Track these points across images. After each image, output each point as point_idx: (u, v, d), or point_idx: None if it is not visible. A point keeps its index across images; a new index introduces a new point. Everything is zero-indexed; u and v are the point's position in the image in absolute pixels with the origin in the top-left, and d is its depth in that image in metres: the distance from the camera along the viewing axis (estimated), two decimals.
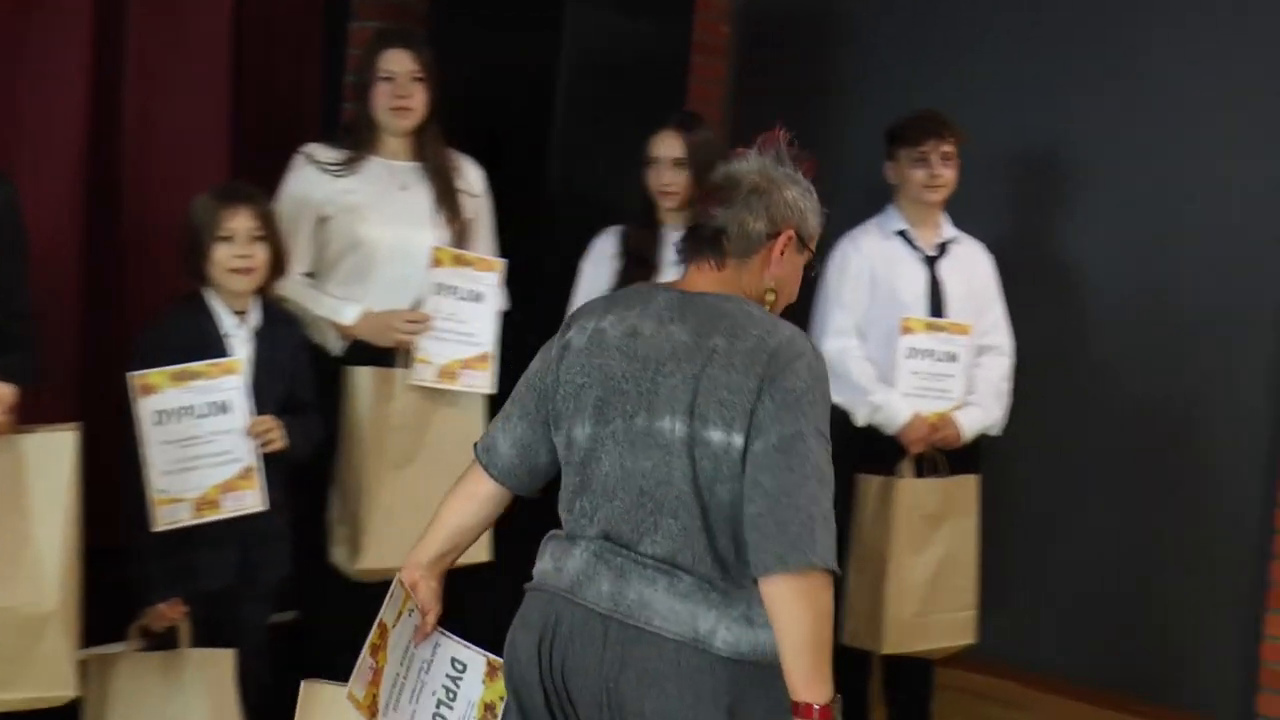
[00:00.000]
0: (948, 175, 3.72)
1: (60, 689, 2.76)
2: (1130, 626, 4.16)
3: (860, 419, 3.67)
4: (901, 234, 3.79)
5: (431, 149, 3.51)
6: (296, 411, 3.16)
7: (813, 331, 3.71)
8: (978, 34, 4.56)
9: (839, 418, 3.58)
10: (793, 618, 1.99)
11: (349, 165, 3.43)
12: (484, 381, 3.38)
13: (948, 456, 3.68)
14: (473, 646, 2.37)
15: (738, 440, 2.02)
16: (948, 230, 3.83)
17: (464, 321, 3.39)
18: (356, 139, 3.46)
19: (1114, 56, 4.29)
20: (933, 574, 3.65)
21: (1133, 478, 4.13)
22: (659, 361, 2.10)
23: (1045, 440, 4.03)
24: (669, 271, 3.50)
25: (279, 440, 3.08)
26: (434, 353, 3.36)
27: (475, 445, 2.32)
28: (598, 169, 3.90)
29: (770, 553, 1.98)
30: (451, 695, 2.36)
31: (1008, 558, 4.24)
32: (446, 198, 3.50)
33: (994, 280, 3.86)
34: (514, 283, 3.51)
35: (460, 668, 2.37)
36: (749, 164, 2.22)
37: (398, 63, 3.42)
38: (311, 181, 3.41)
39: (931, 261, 3.78)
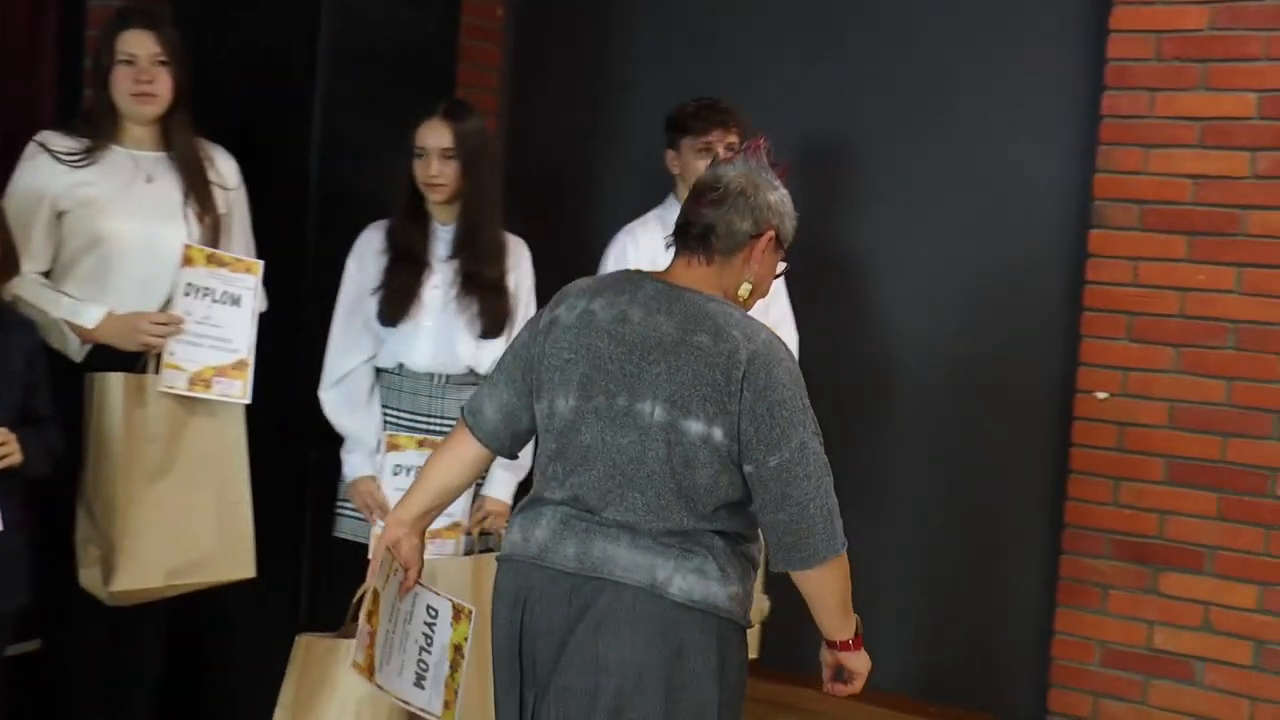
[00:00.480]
0: None
1: None
2: (925, 629, 4.23)
3: None
4: None
5: (179, 138, 3.39)
6: (34, 423, 3.04)
7: None
8: (762, 21, 4.57)
9: None
10: (827, 592, 2.42)
11: (88, 155, 3.30)
12: (239, 390, 3.27)
13: None
14: (443, 593, 2.69)
15: (717, 434, 2.32)
16: None
17: (219, 326, 3.28)
18: (96, 127, 3.34)
19: (899, 48, 4.34)
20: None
21: (923, 480, 4.20)
22: (645, 349, 2.37)
23: (831, 443, 3.92)
24: (439, 267, 3.49)
25: (15, 455, 2.95)
26: (186, 358, 3.24)
27: (462, 409, 2.60)
28: (362, 160, 3.83)
29: (805, 553, 2.36)
30: (429, 641, 2.63)
31: None
32: (197, 190, 3.39)
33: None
34: (273, 282, 3.43)
35: (434, 614, 2.66)
36: (735, 168, 2.50)
37: (139, 45, 3.30)
38: (47, 173, 3.27)
39: None
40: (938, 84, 4.28)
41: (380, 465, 3.37)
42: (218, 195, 3.42)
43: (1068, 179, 4.07)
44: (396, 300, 3.43)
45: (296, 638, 2.97)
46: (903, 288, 4.24)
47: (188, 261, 3.24)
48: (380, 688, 2.57)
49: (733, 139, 3.68)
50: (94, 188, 3.28)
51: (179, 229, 3.33)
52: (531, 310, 3.61)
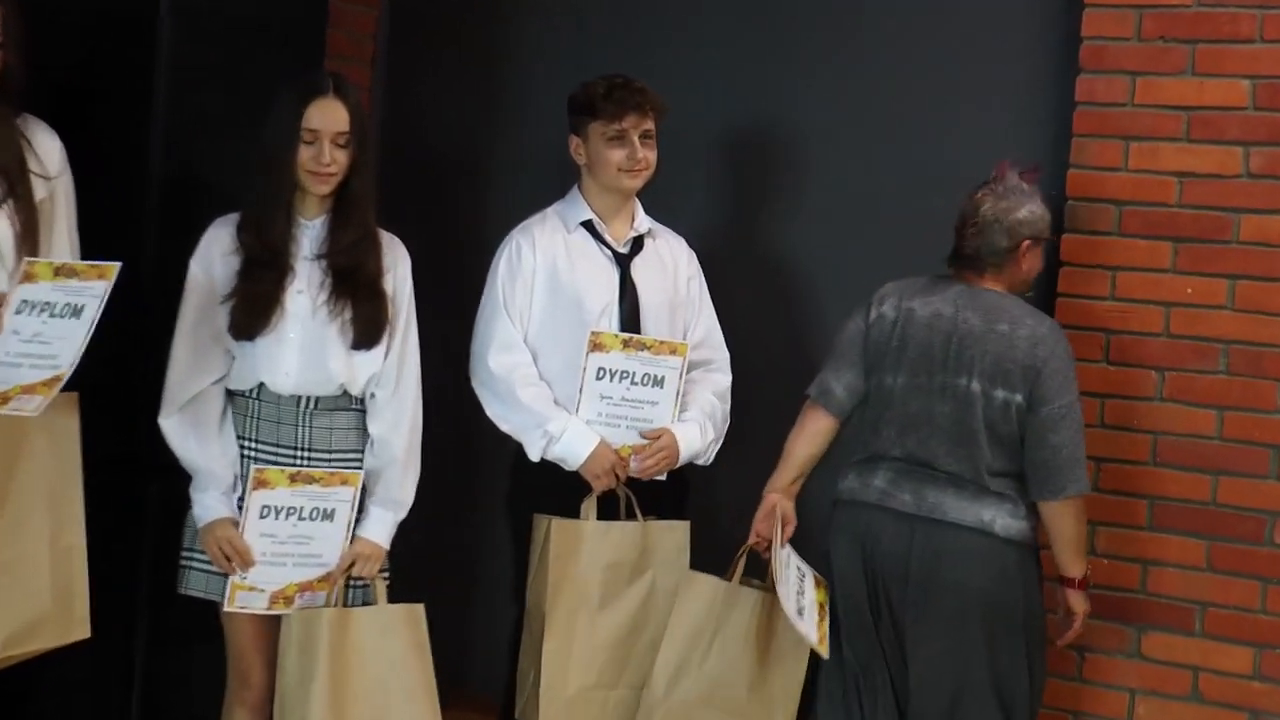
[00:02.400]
0: (650, 158, 3.73)
1: None
2: None
3: (534, 451, 3.62)
4: (587, 225, 3.76)
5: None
6: None
7: (475, 345, 3.74)
8: None
9: (514, 448, 3.69)
10: (1064, 526, 3.44)
11: None
12: (35, 405, 3.10)
13: (648, 496, 3.68)
14: (805, 563, 3.63)
15: (1018, 399, 3.36)
16: (643, 222, 3.82)
17: (48, 342, 3.11)
18: None
19: (841, 23, 4.40)
20: (621, 639, 3.62)
21: None
22: (960, 337, 3.41)
23: (758, 467, 3.96)
24: (304, 268, 3.41)
25: None
26: None
27: (809, 392, 3.62)
28: (213, 142, 3.84)
29: (1049, 487, 3.38)
30: (801, 590, 3.54)
31: None
32: (9, 181, 3.23)
33: (700, 282, 3.90)
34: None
35: (802, 573, 3.58)
36: (989, 200, 3.52)
37: None
38: None
39: (623, 260, 3.76)
40: (885, 65, 4.36)
41: (244, 506, 3.29)
42: (37, 185, 3.27)
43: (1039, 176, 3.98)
44: (254, 310, 3.36)
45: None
46: (845, 300, 4.10)
47: (28, 278, 3.09)
48: (779, 597, 3.45)
49: (649, 125, 3.71)
50: None
51: None
52: (413, 319, 3.57)
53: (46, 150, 3.31)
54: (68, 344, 3.09)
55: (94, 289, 3.11)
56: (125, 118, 3.77)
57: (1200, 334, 3.84)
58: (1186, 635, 3.85)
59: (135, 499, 3.66)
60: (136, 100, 3.76)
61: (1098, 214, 3.96)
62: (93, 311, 3.10)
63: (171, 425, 3.37)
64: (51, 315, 3.10)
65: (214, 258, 3.39)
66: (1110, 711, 3.96)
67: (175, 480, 3.50)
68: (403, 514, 3.42)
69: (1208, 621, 3.83)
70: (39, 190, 3.26)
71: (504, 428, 3.67)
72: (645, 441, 3.64)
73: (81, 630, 3.27)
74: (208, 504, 3.32)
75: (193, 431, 3.35)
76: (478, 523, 3.64)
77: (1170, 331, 3.89)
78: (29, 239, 3.23)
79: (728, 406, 3.83)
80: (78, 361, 3.09)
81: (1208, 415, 3.83)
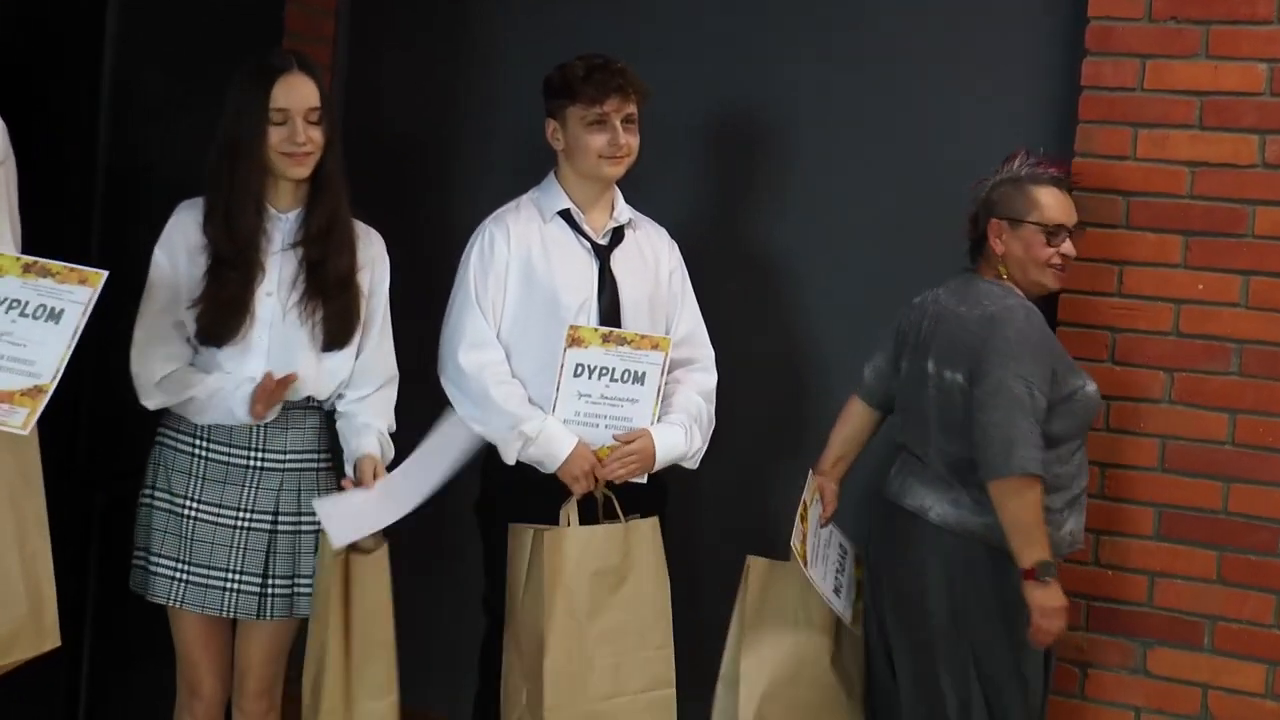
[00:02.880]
0: (633, 144, 3.71)
1: None
2: None
3: (510, 454, 3.61)
4: (564, 215, 3.74)
5: None
6: None
7: (445, 341, 3.73)
8: None
9: (487, 451, 3.66)
10: (1003, 510, 3.37)
11: None
12: (20, 418, 3.06)
13: (628, 496, 3.66)
14: (849, 540, 3.84)
15: (959, 378, 3.45)
16: (623, 211, 3.80)
17: (20, 344, 3.06)
18: None
19: (823, 13, 4.41)
20: (611, 647, 3.61)
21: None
22: (930, 321, 3.57)
23: (740, 470, 4.10)
24: (274, 262, 3.39)
25: None
26: None
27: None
28: (164, 124, 3.82)
29: (984, 469, 3.37)
30: (840, 570, 3.78)
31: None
32: None
33: (683, 275, 3.89)
34: None
35: (844, 551, 3.81)
36: (981, 184, 3.68)
37: None
38: None
39: (603, 252, 3.74)
40: (880, 50, 4.34)
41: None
42: None
43: None
44: (221, 316, 3.37)
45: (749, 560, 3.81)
46: (835, 295, 4.26)
47: None
48: (811, 578, 3.65)
49: (631, 109, 3.68)
50: None
51: None
52: (388, 317, 3.58)
53: None
54: (46, 351, 3.05)
55: (75, 294, 3.08)
56: (71, 101, 3.74)
57: (1212, 333, 3.84)
58: (1195, 651, 3.85)
59: (81, 508, 3.61)
60: (82, 82, 3.73)
61: (1104, 205, 3.94)
62: (75, 319, 3.06)
63: (157, 402, 3.39)
64: (21, 314, 3.07)
65: (179, 248, 3.39)
66: None
67: (121, 484, 3.51)
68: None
69: (1218, 637, 3.83)
70: None
71: (476, 429, 3.65)
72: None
73: (52, 639, 3.22)
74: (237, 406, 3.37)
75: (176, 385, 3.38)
76: (440, 530, 3.59)
77: (1180, 330, 3.89)
78: None
79: (713, 407, 3.81)
80: (61, 372, 3.04)
81: (1219, 419, 3.83)
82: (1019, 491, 3.35)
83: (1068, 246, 3.64)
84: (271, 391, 3.34)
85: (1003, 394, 3.36)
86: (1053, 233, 3.63)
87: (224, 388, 3.38)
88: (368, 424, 3.46)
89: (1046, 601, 3.39)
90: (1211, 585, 3.83)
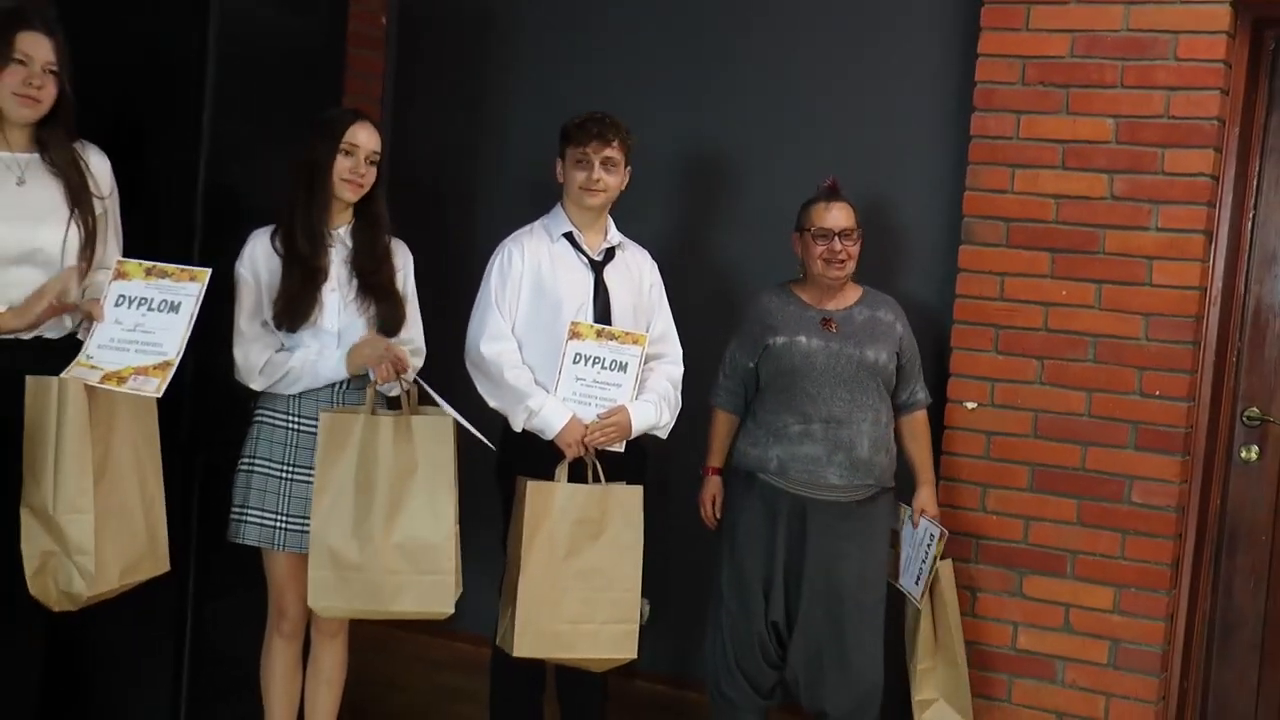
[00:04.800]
0: (608, 180, 3.91)
1: None
2: None
3: (516, 424, 3.84)
4: (568, 236, 3.96)
5: (55, 142, 3.50)
6: None
7: (469, 334, 3.92)
8: (645, 37, 4.80)
9: (501, 423, 3.85)
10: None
11: None
12: (155, 386, 3.36)
13: (612, 464, 3.84)
14: (937, 525, 3.99)
15: None
16: (613, 235, 4.03)
17: (150, 331, 3.39)
18: None
19: (778, 67, 4.59)
20: (583, 582, 3.77)
21: None
22: None
23: (701, 442, 4.23)
24: (335, 271, 3.67)
25: None
26: (105, 361, 3.36)
27: None
28: (248, 164, 3.98)
29: None
30: (925, 559, 3.97)
31: (683, 569, 4.50)
32: (73, 194, 3.50)
33: (660, 288, 4.10)
34: None
35: (933, 536, 3.94)
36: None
37: (36, 48, 3.40)
38: None
39: (597, 267, 3.96)
40: (816, 102, 4.55)
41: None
42: (92, 199, 3.54)
43: (940, 196, 4.34)
44: (294, 305, 3.63)
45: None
46: None
47: (120, 276, 3.40)
48: (901, 586, 4.04)
49: (610, 152, 3.90)
50: None
51: (54, 230, 3.45)
52: (416, 310, 3.84)
53: (100, 172, 3.58)
54: (170, 334, 3.37)
55: (188, 289, 3.41)
56: (176, 142, 3.91)
57: (1072, 329, 4.07)
58: (1060, 578, 4.09)
59: (185, 468, 3.86)
60: (185, 128, 3.91)
61: (989, 229, 4.16)
62: (191, 307, 3.39)
63: (260, 384, 3.67)
64: (150, 309, 3.39)
65: (257, 262, 3.66)
66: (998, 641, 4.16)
67: (218, 451, 3.79)
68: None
69: (1077, 566, 4.07)
70: (95, 206, 3.52)
71: (492, 403, 3.87)
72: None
73: (165, 565, 3.54)
74: (329, 359, 3.65)
75: (272, 367, 3.66)
76: (471, 486, 3.79)
77: (1048, 327, 4.11)
78: (90, 245, 3.49)
79: (679, 392, 3.99)
80: (183, 350, 3.37)
81: (1079, 396, 4.07)
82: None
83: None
84: (367, 345, 3.62)
85: None
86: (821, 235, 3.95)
87: (310, 357, 3.64)
88: None
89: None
90: (1073, 526, 4.07)
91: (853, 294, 4.05)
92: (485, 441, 3.67)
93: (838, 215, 3.95)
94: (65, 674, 3.90)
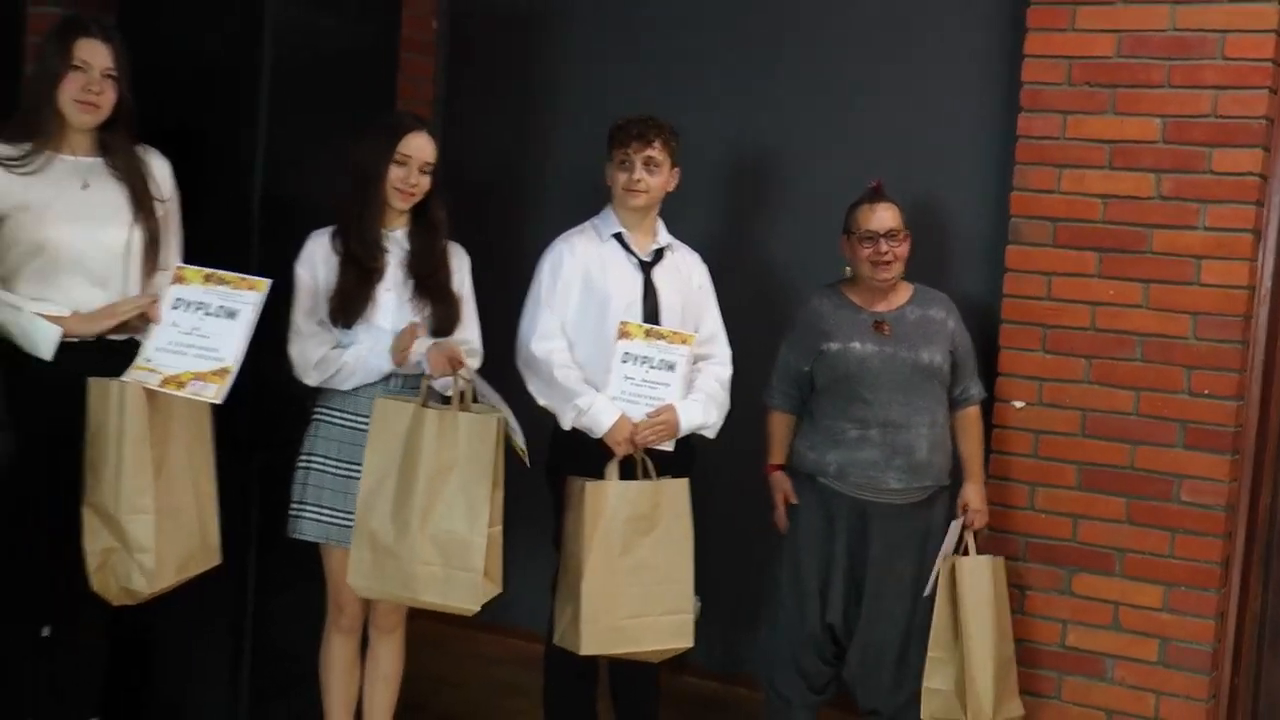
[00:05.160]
0: (650, 180, 3.93)
1: None
2: None
3: (565, 422, 3.88)
4: (617, 237, 3.99)
5: (117, 145, 3.58)
6: None
7: (520, 333, 3.96)
8: (693, 38, 4.85)
9: (551, 423, 3.90)
10: None
11: (26, 161, 3.48)
12: (214, 392, 3.43)
13: (661, 461, 3.86)
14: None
15: None
16: (662, 237, 4.06)
17: (206, 336, 3.45)
18: (35, 131, 3.51)
19: (827, 68, 4.64)
20: (639, 578, 3.80)
21: None
22: None
23: (752, 441, 4.24)
24: (391, 271, 3.71)
25: None
26: (164, 364, 3.43)
27: None
28: (305, 167, 4.03)
29: None
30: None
31: (732, 567, 4.54)
32: (135, 197, 3.57)
33: (709, 290, 4.12)
34: None
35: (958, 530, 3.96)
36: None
37: (93, 54, 3.48)
38: None
39: (646, 267, 3.98)
40: (863, 102, 4.59)
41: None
42: (155, 205, 3.61)
43: (987, 196, 4.37)
44: (348, 302, 3.68)
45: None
46: None
47: (179, 280, 3.46)
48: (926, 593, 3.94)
49: (651, 153, 3.91)
50: (32, 193, 3.46)
51: (118, 232, 3.53)
52: (474, 310, 3.87)
53: (161, 175, 3.65)
54: (228, 341, 3.43)
55: (247, 297, 3.46)
56: (234, 148, 3.99)
57: (1120, 328, 4.08)
58: (1109, 576, 4.10)
59: (243, 467, 3.91)
60: (243, 133, 3.98)
61: (1036, 229, 4.18)
62: (250, 315, 3.44)
63: (314, 379, 3.72)
64: (207, 314, 3.44)
65: (316, 262, 3.71)
66: (1047, 639, 4.18)
67: (275, 451, 3.84)
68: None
69: (1126, 565, 4.09)
70: (157, 209, 3.59)
71: (541, 402, 3.91)
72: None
73: (216, 558, 3.60)
74: (381, 353, 3.68)
75: (326, 363, 3.71)
76: (521, 484, 3.85)
77: (1096, 326, 4.12)
78: (153, 248, 3.56)
79: (727, 392, 4.02)
80: (241, 358, 3.42)
81: (1127, 395, 4.08)
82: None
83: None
84: (404, 337, 3.63)
85: None
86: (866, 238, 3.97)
87: (362, 352, 3.68)
88: None
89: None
90: (1121, 525, 4.08)
91: (903, 293, 4.05)
92: (523, 452, 3.69)
93: (883, 216, 3.95)
94: (129, 669, 3.97)
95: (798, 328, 4.07)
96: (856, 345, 3.91)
